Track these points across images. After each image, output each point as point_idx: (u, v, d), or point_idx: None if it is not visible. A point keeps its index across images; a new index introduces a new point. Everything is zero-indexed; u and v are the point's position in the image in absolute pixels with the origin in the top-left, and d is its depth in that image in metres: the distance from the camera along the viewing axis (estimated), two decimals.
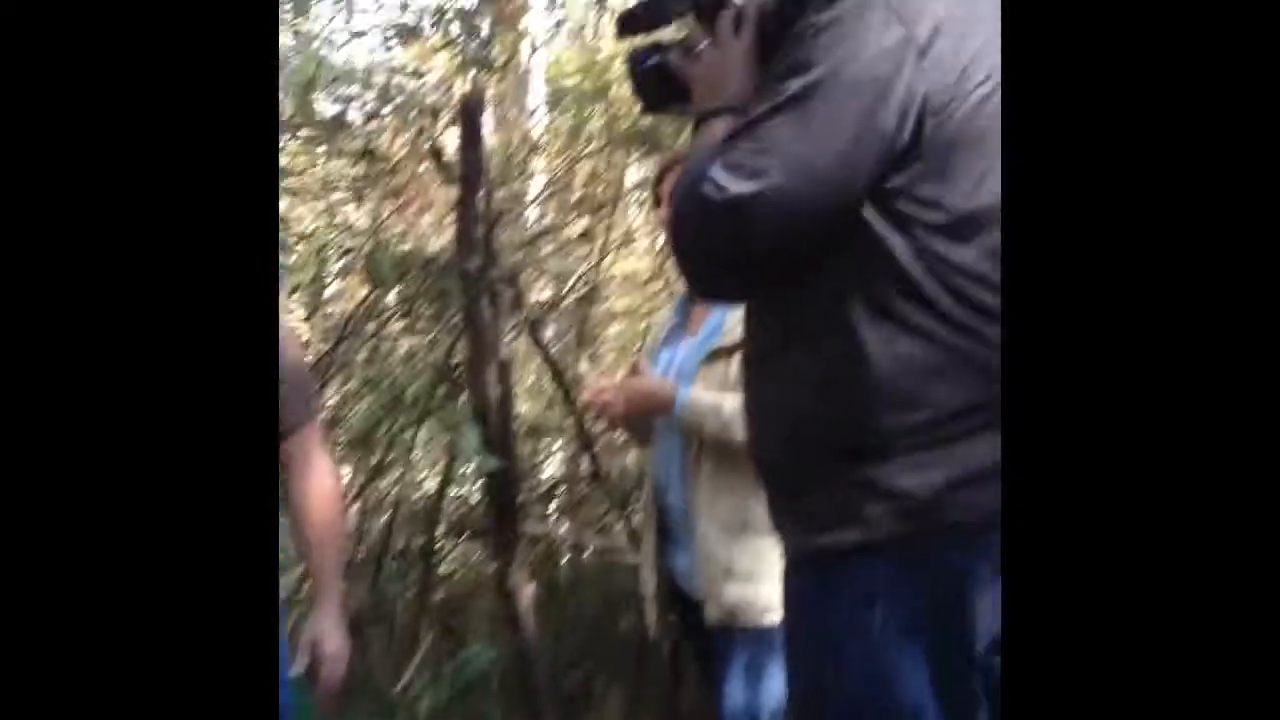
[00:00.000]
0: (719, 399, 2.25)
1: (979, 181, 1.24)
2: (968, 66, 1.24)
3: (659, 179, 2.49)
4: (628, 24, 1.48)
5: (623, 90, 5.20)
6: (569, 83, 5.10)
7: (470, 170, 3.65)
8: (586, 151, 4.87)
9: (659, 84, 1.49)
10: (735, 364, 2.24)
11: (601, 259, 4.84)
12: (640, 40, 1.51)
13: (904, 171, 1.24)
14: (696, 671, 3.87)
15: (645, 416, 2.40)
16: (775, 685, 2.25)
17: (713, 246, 1.28)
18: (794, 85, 1.24)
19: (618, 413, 2.41)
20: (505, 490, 3.64)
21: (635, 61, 1.50)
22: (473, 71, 3.79)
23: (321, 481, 2.11)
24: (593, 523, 4.41)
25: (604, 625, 4.03)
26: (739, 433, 2.12)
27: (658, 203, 2.48)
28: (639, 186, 4.74)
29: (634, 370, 2.50)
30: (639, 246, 5.21)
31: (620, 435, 4.54)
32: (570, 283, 4.91)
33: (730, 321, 2.31)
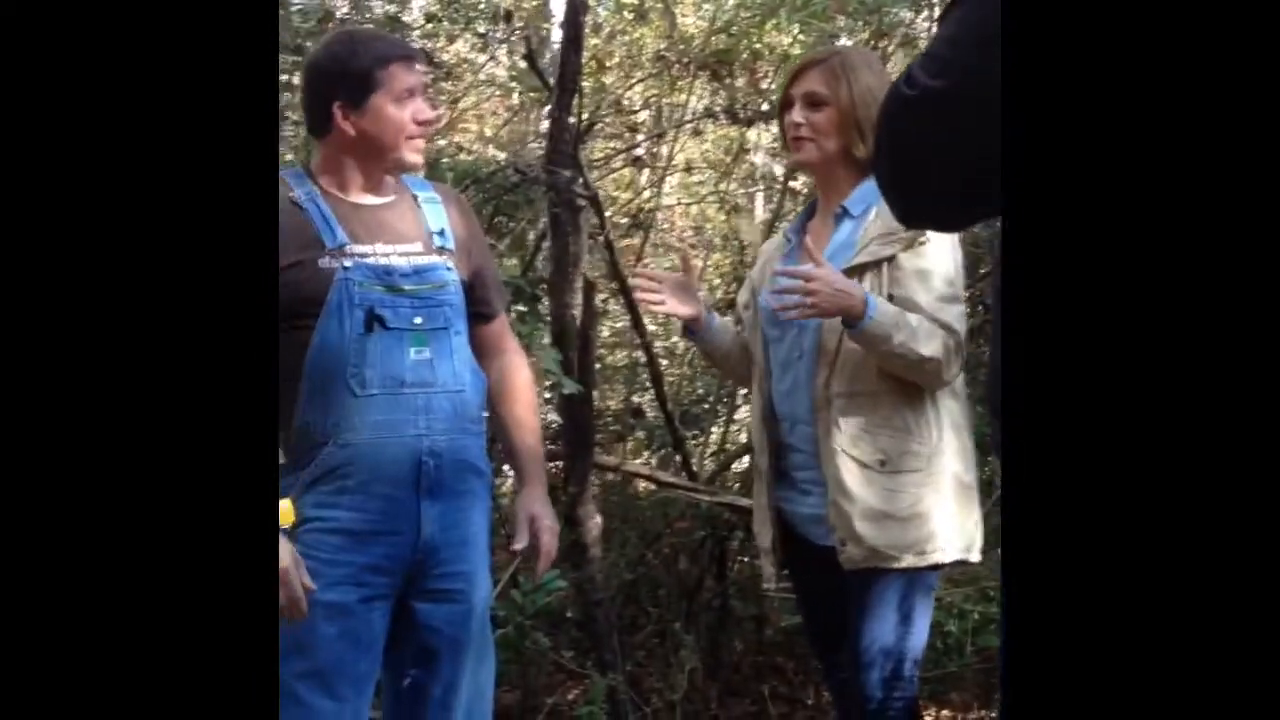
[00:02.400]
0: (896, 308, 2.07)
1: None
2: None
3: (792, 80, 2.26)
4: None
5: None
6: None
7: (569, 76, 3.46)
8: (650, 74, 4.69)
9: None
10: (866, 284, 2.10)
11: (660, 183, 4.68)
12: None
13: None
14: (751, 618, 3.81)
15: (836, 314, 2.03)
16: (921, 627, 2.18)
17: (903, 153, 1.09)
18: None
19: (817, 304, 2.00)
20: (582, 416, 3.50)
21: None
22: None
23: (524, 363, 2.16)
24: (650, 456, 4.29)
25: (659, 562, 3.92)
26: (925, 348, 2.04)
27: (788, 106, 2.24)
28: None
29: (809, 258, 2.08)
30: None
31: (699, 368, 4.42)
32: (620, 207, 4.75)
33: (863, 238, 2.16)
